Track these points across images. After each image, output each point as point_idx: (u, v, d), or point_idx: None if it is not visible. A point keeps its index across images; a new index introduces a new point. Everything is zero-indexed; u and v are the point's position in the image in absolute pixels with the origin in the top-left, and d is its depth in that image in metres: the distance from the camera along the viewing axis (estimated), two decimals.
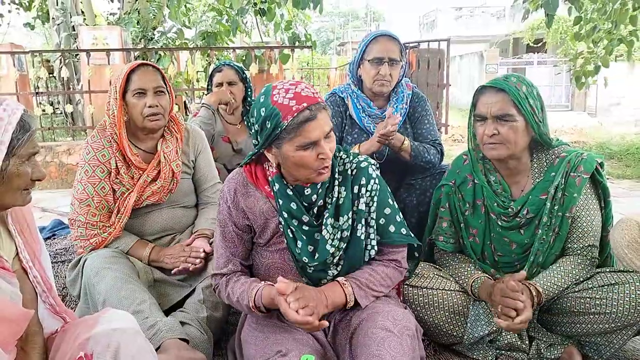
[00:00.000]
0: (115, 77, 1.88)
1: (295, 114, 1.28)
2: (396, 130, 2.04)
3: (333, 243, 1.42)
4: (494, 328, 1.68)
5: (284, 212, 1.42)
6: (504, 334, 1.69)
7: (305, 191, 1.43)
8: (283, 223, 1.42)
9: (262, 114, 1.32)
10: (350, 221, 1.43)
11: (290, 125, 1.29)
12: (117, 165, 1.85)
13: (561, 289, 1.61)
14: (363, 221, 1.45)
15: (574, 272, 1.62)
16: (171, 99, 1.93)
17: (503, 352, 1.71)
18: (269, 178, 1.45)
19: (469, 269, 1.73)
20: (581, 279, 1.63)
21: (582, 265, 1.63)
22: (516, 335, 1.68)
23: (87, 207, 1.82)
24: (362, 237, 1.44)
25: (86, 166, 1.84)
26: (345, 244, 1.44)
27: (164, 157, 1.91)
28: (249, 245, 1.52)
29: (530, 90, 1.60)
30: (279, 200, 1.42)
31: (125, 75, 1.82)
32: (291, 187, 1.43)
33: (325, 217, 1.42)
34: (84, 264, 1.79)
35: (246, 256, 1.53)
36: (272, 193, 1.44)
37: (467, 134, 1.77)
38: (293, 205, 1.41)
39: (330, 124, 1.35)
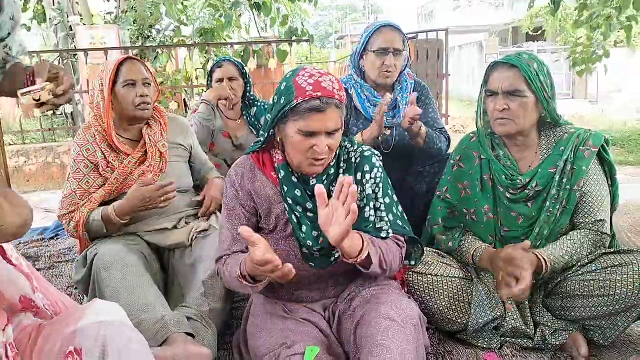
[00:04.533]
0: (101, 72, 1.94)
1: (306, 98, 1.31)
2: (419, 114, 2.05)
3: None
4: (499, 314, 1.69)
5: (288, 199, 1.44)
6: (508, 319, 1.69)
7: (311, 181, 1.44)
8: (288, 209, 1.44)
9: (282, 88, 1.38)
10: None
11: (297, 107, 1.33)
12: (104, 156, 1.91)
13: (569, 260, 1.61)
14: (372, 204, 1.46)
15: (583, 245, 1.63)
16: (157, 91, 2.03)
17: (508, 338, 1.71)
18: (276, 165, 1.47)
19: (469, 240, 1.77)
20: (589, 253, 1.63)
21: (593, 240, 1.64)
22: (521, 320, 1.68)
23: (70, 200, 1.90)
24: (372, 219, 1.46)
25: (72, 162, 1.93)
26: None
27: (149, 139, 1.98)
28: (255, 230, 1.51)
29: (541, 67, 1.63)
30: (284, 187, 1.44)
31: (115, 67, 1.90)
32: (297, 175, 1.45)
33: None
34: (92, 260, 1.80)
35: None
36: (278, 180, 1.46)
37: (476, 111, 1.80)
38: (297, 192, 1.43)
39: (338, 123, 1.36)
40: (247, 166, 1.51)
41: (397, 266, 1.48)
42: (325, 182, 1.45)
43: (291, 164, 1.45)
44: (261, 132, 1.50)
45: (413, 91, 2.28)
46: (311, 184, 1.44)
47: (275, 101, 1.39)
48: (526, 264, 1.52)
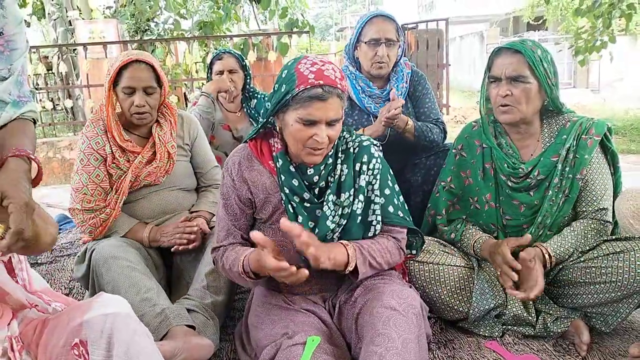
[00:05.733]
0: (110, 66, 1.90)
1: (308, 86, 1.30)
2: (400, 112, 2.03)
3: (334, 219, 1.42)
4: (500, 302, 1.69)
5: (285, 188, 1.43)
6: (509, 307, 1.69)
7: (308, 171, 1.43)
8: (284, 199, 1.43)
9: (283, 76, 1.36)
10: (351, 198, 1.44)
11: (299, 95, 1.31)
12: (112, 150, 1.88)
13: (572, 252, 1.63)
14: (361, 197, 1.45)
15: (587, 235, 1.63)
16: (164, 90, 1.95)
17: (509, 326, 1.71)
18: (274, 154, 1.46)
19: (470, 230, 1.78)
20: (594, 243, 1.63)
21: (596, 229, 1.64)
22: (522, 308, 1.68)
23: (82, 195, 1.86)
24: (359, 211, 1.45)
25: (81, 155, 1.89)
26: (345, 221, 1.44)
27: (159, 139, 1.94)
28: (250, 220, 1.53)
29: (544, 54, 1.62)
30: (282, 176, 1.43)
31: (117, 70, 1.84)
32: (294, 165, 1.44)
33: (327, 193, 1.43)
34: (91, 255, 1.80)
35: (247, 230, 1.52)
36: (275, 169, 1.45)
37: (479, 98, 1.79)
38: (295, 182, 1.42)
39: (338, 113, 1.35)
40: (245, 155, 1.50)
41: (395, 260, 1.49)
42: (323, 172, 1.44)
43: (290, 152, 1.44)
44: (260, 120, 1.49)
45: (410, 81, 2.27)
46: (309, 173, 1.43)
47: (276, 89, 1.37)
48: (536, 266, 1.57)
